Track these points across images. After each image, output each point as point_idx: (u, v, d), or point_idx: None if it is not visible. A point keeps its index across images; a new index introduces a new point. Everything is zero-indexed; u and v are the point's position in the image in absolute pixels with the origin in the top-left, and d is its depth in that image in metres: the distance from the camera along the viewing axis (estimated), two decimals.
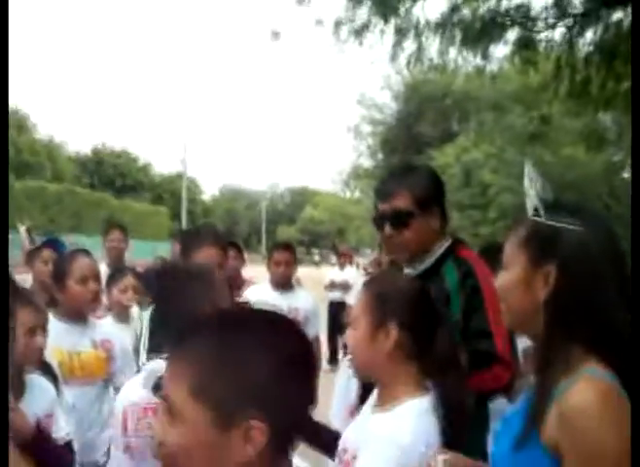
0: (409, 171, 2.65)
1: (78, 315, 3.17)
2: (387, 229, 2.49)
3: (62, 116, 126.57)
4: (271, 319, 1.21)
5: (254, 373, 1.10)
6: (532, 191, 1.60)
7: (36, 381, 2.50)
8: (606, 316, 1.47)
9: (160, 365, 1.95)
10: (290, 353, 1.15)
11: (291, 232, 71.62)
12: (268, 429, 1.08)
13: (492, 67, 9.20)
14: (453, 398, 1.87)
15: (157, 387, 1.97)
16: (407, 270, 2.55)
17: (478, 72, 9.46)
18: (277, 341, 1.15)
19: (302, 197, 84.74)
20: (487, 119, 20.29)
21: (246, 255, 5.98)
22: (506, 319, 1.65)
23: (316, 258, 56.46)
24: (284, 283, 5.09)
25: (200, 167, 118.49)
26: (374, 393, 2.02)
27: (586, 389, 1.40)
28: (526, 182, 1.63)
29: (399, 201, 2.47)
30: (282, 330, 1.18)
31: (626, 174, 19.59)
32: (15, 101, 42.16)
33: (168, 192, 55.78)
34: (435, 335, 1.92)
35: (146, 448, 2.00)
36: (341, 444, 1.99)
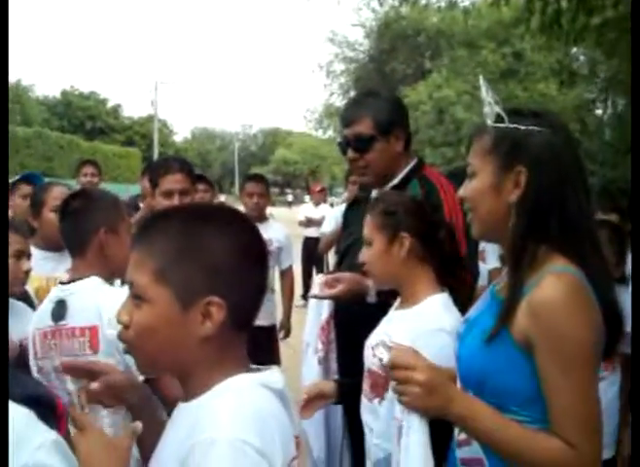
0: (371, 97, 2.73)
1: (55, 243, 3.20)
2: (350, 153, 2.61)
3: (29, 59, 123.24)
4: (231, 213, 1.34)
5: (213, 256, 1.22)
6: (491, 99, 1.64)
7: (16, 306, 2.59)
8: (573, 214, 1.55)
9: (64, 293, 2.26)
10: (246, 243, 1.27)
11: (264, 172, 70.96)
12: (226, 306, 1.20)
13: (464, 2, 9.13)
14: (463, 294, 2.16)
15: (55, 314, 2.24)
16: (375, 192, 2.64)
17: (450, 7, 9.39)
18: (235, 231, 1.27)
19: (274, 138, 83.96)
20: (460, 55, 20.18)
21: (220, 196, 6.00)
22: (475, 229, 1.69)
23: (289, 198, 56.33)
24: (257, 215, 5.13)
25: (172, 109, 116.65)
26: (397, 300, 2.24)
27: (553, 283, 1.48)
28: (483, 92, 1.67)
29: (360, 126, 2.57)
30: (240, 223, 1.31)
31: (598, 110, 19.68)
32: None
33: (139, 134, 54.90)
34: (439, 238, 2.15)
35: (50, 368, 2.23)
36: (370, 342, 2.17)
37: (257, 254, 1.30)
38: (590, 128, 17.88)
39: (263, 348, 5.06)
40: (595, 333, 1.47)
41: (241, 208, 5.30)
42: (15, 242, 2.55)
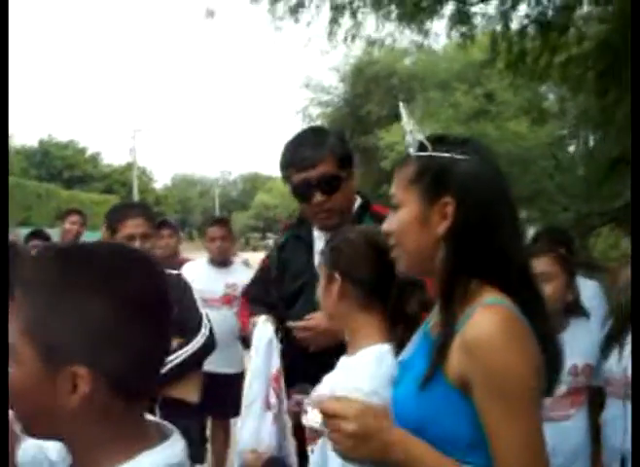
0: (322, 134, 2.57)
1: None
2: (317, 196, 2.41)
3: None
4: (126, 257, 1.10)
5: (88, 314, 1.01)
6: (412, 127, 1.56)
7: None
8: (502, 245, 1.47)
9: None
10: (132, 295, 1.04)
11: (245, 218, 71.23)
12: (96, 378, 1.01)
13: (430, 43, 9.25)
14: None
15: None
16: (322, 231, 2.52)
17: (417, 48, 9.53)
18: (117, 280, 1.04)
19: (254, 183, 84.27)
20: (434, 97, 20.43)
21: (200, 242, 5.91)
22: (402, 264, 1.59)
23: (271, 243, 56.23)
24: (220, 259, 5.05)
25: (151, 156, 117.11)
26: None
27: (484, 316, 1.39)
28: (404, 120, 1.59)
29: (325, 166, 2.40)
30: (126, 268, 1.07)
31: (571, 147, 19.91)
32: None
33: (119, 182, 54.79)
34: (389, 285, 1.94)
35: None
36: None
37: (154, 314, 1.08)
38: (563, 164, 18.08)
39: (229, 397, 4.98)
40: (534, 365, 1.38)
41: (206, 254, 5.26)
42: None
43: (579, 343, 2.76)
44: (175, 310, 3.48)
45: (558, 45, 7.90)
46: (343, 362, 1.98)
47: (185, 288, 3.46)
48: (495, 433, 1.36)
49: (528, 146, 17.28)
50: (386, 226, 1.60)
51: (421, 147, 1.54)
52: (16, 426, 1.77)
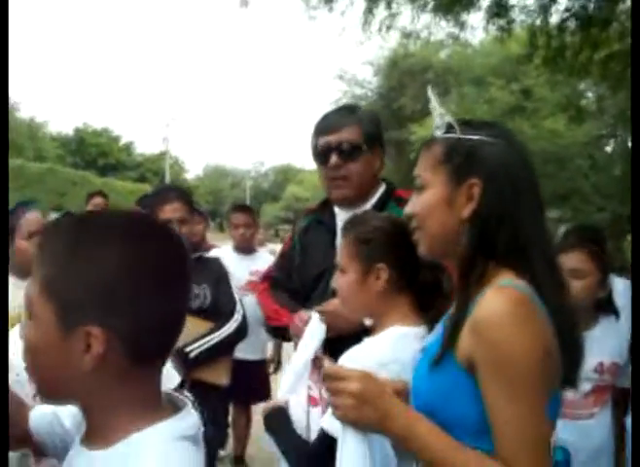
0: (354, 109, 2.61)
1: (27, 272, 3.09)
2: (333, 159, 2.42)
3: (44, 96, 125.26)
4: (134, 221, 1.13)
5: (98, 274, 1.02)
6: (441, 109, 1.56)
7: None
8: (525, 229, 1.45)
9: None
10: (147, 259, 1.06)
11: (275, 210, 71.39)
12: (111, 338, 1.02)
13: (467, 36, 9.14)
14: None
15: None
16: (346, 214, 2.50)
17: (453, 41, 9.41)
18: (132, 243, 1.06)
19: (285, 175, 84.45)
20: (468, 92, 20.23)
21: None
22: (423, 247, 1.57)
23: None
24: (244, 246, 5.06)
25: (184, 146, 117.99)
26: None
27: (494, 298, 1.36)
28: (432, 103, 1.59)
29: (347, 133, 2.43)
30: (142, 233, 1.10)
31: (607, 147, 19.62)
32: None
33: (151, 171, 55.35)
34: (419, 266, 1.94)
35: None
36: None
37: (170, 278, 1.09)
38: (600, 164, 17.82)
39: (252, 383, 5.01)
40: (543, 351, 1.33)
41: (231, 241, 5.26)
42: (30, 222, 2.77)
43: (607, 341, 2.70)
44: (211, 295, 3.50)
45: (599, 40, 7.74)
46: (365, 341, 1.97)
47: (222, 273, 3.52)
48: (495, 414, 1.33)
49: (564, 144, 17.03)
50: (409, 208, 1.59)
51: (449, 129, 1.54)
52: (29, 388, 1.78)
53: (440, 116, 1.56)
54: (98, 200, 5.73)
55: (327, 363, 1.51)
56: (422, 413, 1.45)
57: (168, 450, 1.05)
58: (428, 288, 2.00)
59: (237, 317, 3.43)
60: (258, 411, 5.09)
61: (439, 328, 1.61)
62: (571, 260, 2.66)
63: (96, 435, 1.10)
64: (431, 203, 1.51)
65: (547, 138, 16.78)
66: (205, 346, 3.25)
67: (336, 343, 2.23)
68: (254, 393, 4.98)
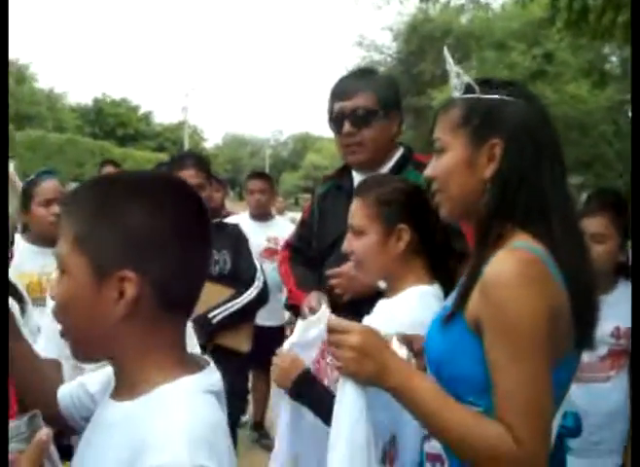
0: (371, 73, 2.59)
1: (46, 238, 3.12)
2: (347, 126, 2.41)
3: (63, 67, 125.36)
4: (159, 178, 1.22)
5: (134, 223, 1.10)
6: (458, 70, 1.54)
7: None
8: (546, 189, 1.43)
9: None
10: (177, 215, 1.13)
11: (294, 178, 71.30)
12: (143, 283, 1.08)
13: (492, 2, 8.96)
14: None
15: None
16: (357, 177, 2.49)
17: (477, 6, 9.25)
18: (166, 201, 1.14)
19: (304, 143, 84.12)
20: (489, 57, 19.92)
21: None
22: (445, 210, 1.57)
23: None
24: (260, 212, 5.08)
25: (203, 115, 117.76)
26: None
27: (504, 259, 1.35)
28: (448, 64, 1.57)
29: (361, 99, 2.41)
30: (166, 189, 1.17)
31: (630, 113, 19.31)
32: (15, 52, 41.97)
33: (170, 140, 55.34)
34: (434, 228, 1.96)
35: None
36: None
37: (192, 229, 1.16)
38: (624, 130, 17.56)
39: (271, 349, 5.01)
40: (549, 315, 1.32)
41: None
42: (47, 190, 3.01)
43: (624, 306, 2.67)
44: (231, 261, 3.51)
45: (623, 2, 7.56)
46: (382, 304, 1.97)
47: (241, 239, 3.54)
48: (496, 374, 1.33)
49: (587, 110, 16.79)
50: (429, 171, 1.57)
51: (468, 89, 1.52)
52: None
53: (457, 76, 1.53)
54: (109, 169, 5.68)
55: (331, 316, 1.52)
56: (432, 367, 1.48)
57: (195, 402, 1.09)
58: (441, 250, 1.99)
59: (258, 284, 3.46)
60: None
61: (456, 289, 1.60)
62: (592, 224, 2.66)
63: (125, 387, 1.15)
64: (451, 166, 1.51)
65: (569, 104, 16.55)
66: (227, 312, 3.29)
67: (350, 306, 2.24)
68: (249, 363, 5.03)
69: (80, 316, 1.12)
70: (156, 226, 1.10)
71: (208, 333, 3.21)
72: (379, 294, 2.13)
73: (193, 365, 1.18)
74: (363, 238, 2.00)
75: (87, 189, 1.18)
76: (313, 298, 2.38)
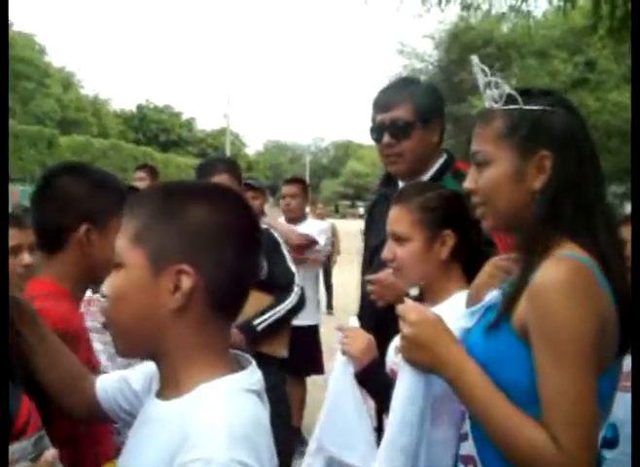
0: (411, 83, 2.62)
1: None
2: (386, 138, 2.46)
3: (107, 73, 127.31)
4: (225, 192, 1.27)
5: (192, 221, 1.16)
6: (496, 79, 1.52)
7: None
8: (589, 198, 1.45)
9: None
10: (231, 220, 1.19)
11: (335, 185, 71.30)
12: (201, 280, 1.13)
13: (529, 7, 8.89)
14: None
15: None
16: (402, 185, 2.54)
17: (517, 15, 9.16)
18: (221, 206, 1.20)
19: (346, 151, 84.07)
20: (531, 65, 19.76)
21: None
22: (490, 222, 1.56)
23: (361, 211, 56.24)
24: (292, 216, 5.15)
25: (244, 122, 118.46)
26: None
27: (554, 267, 1.36)
28: (479, 74, 1.55)
29: (400, 111, 2.44)
30: (230, 202, 1.23)
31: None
32: (62, 59, 42.70)
33: (212, 147, 55.90)
34: (471, 234, 1.98)
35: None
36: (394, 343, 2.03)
37: (246, 234, 1.22)
38: None
39: (306, 354, 5.05)
40: (596, 323, 1.33)
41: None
42: (11, 237, 2.26)
43: None
44: (267, 266, 3.46)
45: None
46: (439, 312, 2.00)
47: (276, 244, 3.55)
48: (543, 381, 1.34)
49: (629, 118, 16.53)
50: (471, 184, 1.56)
51: (509, 100, 1.49)
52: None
53: (494, 85, 1.51)
54: (140, 174, 5.55)
55: (407, 301, 1.62)
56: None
57: (237, 400, 1.13)
58: (476, 255, 2.02)
59: (297, 290, 3.46)
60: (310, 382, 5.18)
61: (491, 296, 1.61)
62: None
63: (169, 386, 1.19)
64: (498, 179, 1.49)
65: (611, 111, 16.33)
66: (271, 320, 3.31)
67: (384, 314, 2.29)
68: (308, 364, 5.07)
69: (133, 308, 1.16)
70: (213, 226, 1.16)
71: (253, 340, 3.24)
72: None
73: (235, 365, 1.22)
74: (407, 245, 2.03)
75: (150, 191, 1.26)
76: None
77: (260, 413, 1.16)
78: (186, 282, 1.13)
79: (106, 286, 1.21)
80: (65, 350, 1.53)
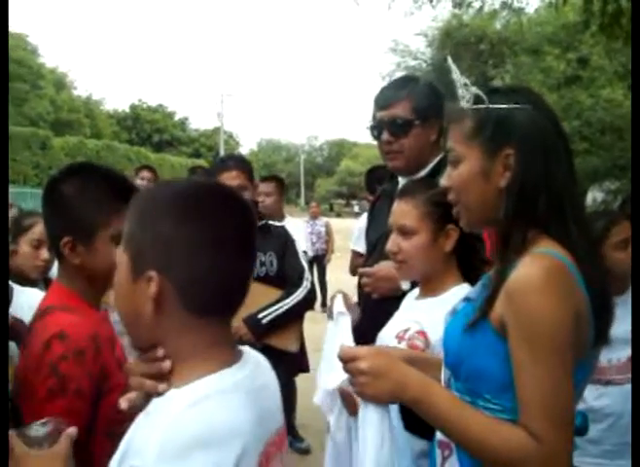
0: (410, 82, 2.66)
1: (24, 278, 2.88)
2: (385, 134, 2.51)
3: (100, 74, 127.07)
4: (201, 188, 1.27)
5: (162, 231, 1.18)
6: (464, 79, 1.56)
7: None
8: (558, 192, 1.47)
9: None
10: (212, 221, 1.20)
11: (329, 184, 71.30)
12: (164, 284, 1.16)
13: (522, 4, 8.92)
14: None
15: None
16: (402, 181, 2.59)
17: (510, 12, 9.21)
18: (201, 207, 1.20)
19: (340, 149, 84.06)
20: (524, 62, 19.79)
21: (285, 207, 6.06)
22: (465, 219, 1.61)
23: (356, 209, 56.25)
24: (269, 214, 5.14)
25: (238, 121, 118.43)
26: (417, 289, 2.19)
27: (531, 264, 1.39)
28: (454, 75, 1.59)
29: (398, 109, 2.50)
30: (214, 198, 1.24)
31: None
32: (54, 60, 42.62)
33: (206, 146, 55.89)
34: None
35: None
36: (391, 332, 2.09)
37: (228, 237, 1.21)
38: None
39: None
40: (572, 320, 1.36)
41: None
42: (39, 230, 2.66)
43: None
44: (277, 262, 3.56)
45: None
46: (429, 303, 2.06)
47: (287, 240, 3.61)
48: (519, 375, 1.36)
49: (622, 114, 16.56)
50: (446, 181, 1.61)
51: (477, 100, 1.54)
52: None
53: (464, 87, 1.56)
54: (145, 174, 5.79)
55: (342, 346, 1.58)
56: (450, 361, 1.52)
57: (201, 408, 1.10)
58: (470, 250, 2.08)
59: (307, 284, 3.53)
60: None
61: (472, 291, 1.65)
62: (623, 230, 2.63)
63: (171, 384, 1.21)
64: (467, 176, 1.54)
65: (604, 108, 16.34)
66: (277, 313, 3.36)
67: (380, 303, 2.32)
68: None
69: (125, 306, 1.24)
70: (183, 234, 1.17)
71: (258, 333, 3.30)
72: (404, 294, 2.21)
73: (230, 361, 1.22)
74: (413, 238, 2.09)
75: (139, 195, 1.30)
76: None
77: (231, 417, 1.13)
78: (152, 288, 1.16)
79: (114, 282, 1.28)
80: None
